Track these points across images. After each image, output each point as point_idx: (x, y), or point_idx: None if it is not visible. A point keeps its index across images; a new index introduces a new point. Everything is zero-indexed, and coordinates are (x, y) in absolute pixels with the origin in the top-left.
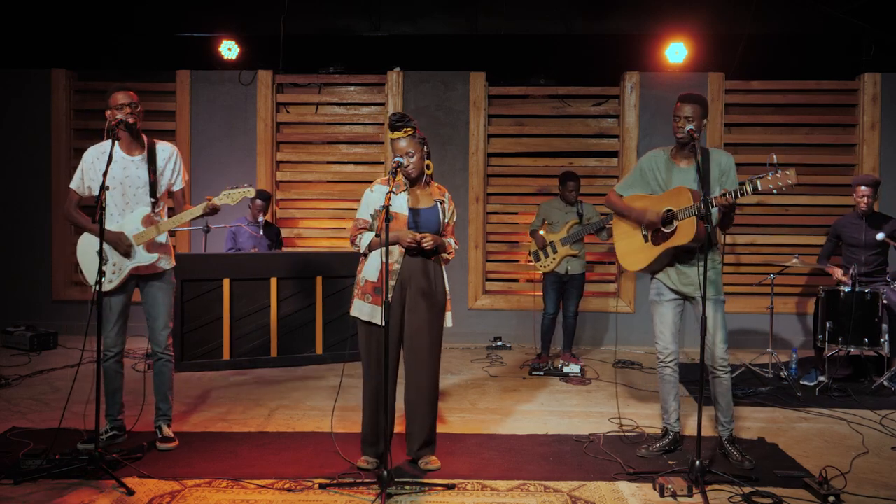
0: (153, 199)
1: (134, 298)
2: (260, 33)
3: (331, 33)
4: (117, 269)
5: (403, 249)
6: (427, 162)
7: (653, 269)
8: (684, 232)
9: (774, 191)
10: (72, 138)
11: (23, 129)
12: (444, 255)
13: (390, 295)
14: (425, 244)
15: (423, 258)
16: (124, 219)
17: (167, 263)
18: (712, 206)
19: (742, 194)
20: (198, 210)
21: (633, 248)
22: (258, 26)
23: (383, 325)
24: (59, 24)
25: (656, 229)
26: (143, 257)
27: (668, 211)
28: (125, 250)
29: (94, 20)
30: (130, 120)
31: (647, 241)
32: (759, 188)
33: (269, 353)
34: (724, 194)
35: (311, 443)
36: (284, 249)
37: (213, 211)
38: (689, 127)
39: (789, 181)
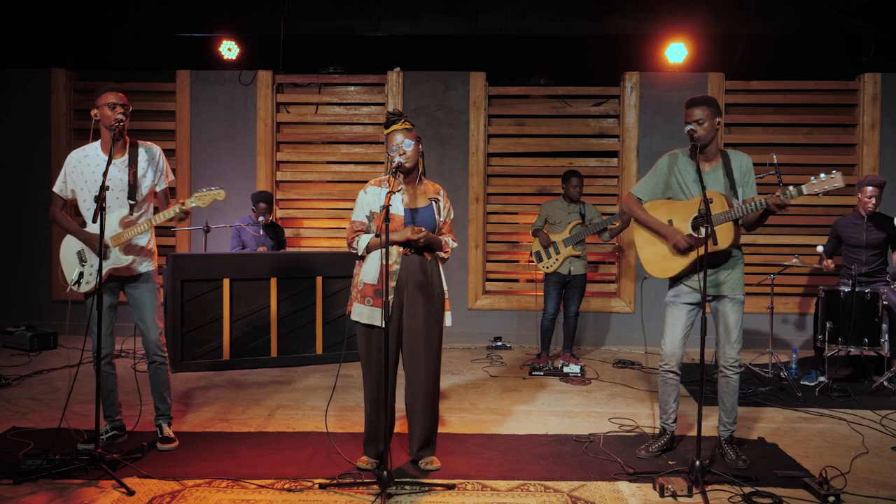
0: (132, 202)
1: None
2: (260, 33)
3: (331, 33)
4: (94, 271)
5: (402, 249)
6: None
7: (683, 275)
8: (722, 237)
9: (820, 194)
10: (72, 138)
11: (23, 129)
12: (441, 254)
13: (390, 296)
14: (413, 236)
15: (420, 257)
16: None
17: (147, 266)
18: (767, 207)
19: (789, 197)
20: (170, 213)
21: (661, 256)
22: (258, 26)
23: (383, 326)
24: (58, 24)
25: (688, 235)
26: (117, 259)
27: (695, 218)
28: (98, 251)
29: (94, 20)
30: (120, 119)
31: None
32: (805, 192)
33: (269, 353)
34: (778, 195)
35: (312, 443)
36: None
37: (184, 215)
38: (688, 128)
39: (836, 184)
